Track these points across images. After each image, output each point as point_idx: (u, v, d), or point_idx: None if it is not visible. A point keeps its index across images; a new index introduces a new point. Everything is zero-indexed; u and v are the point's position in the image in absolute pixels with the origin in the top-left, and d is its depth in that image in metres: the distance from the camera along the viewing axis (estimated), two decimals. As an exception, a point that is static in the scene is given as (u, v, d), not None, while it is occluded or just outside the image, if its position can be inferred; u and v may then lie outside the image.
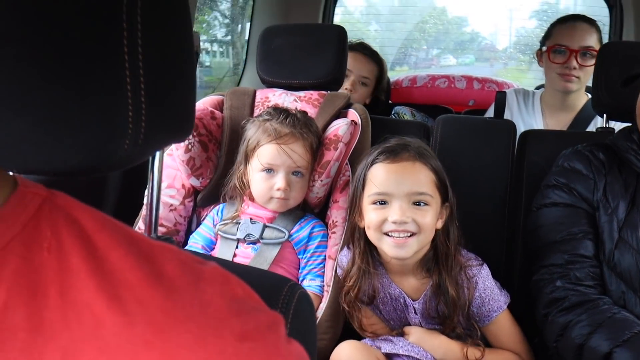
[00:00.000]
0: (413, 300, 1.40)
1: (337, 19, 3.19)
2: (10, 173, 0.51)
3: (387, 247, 1.31)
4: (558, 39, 2.10)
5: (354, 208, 1.38)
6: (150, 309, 0.44)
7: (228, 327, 0.45)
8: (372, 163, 1.35)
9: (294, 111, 1.56)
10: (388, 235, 1.30)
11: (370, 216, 1.32)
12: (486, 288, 1.37)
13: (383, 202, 1.31)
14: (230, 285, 0.49)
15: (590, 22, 2.11)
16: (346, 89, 2.28)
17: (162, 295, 0.45)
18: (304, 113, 1.58)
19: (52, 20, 0.48)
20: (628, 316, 1.24)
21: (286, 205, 1.52)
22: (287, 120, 1.50)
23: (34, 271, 0.44)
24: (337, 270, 1.47)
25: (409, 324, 1.43)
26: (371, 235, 1.34)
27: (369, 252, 1.39)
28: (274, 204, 1.50)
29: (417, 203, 1.30)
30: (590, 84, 1.89)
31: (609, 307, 1.27)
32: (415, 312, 1.41)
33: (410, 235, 1.29)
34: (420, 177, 1.31)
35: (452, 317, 1.35)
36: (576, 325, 1.26)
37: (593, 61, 1.95)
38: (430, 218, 1.30)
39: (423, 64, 4.05)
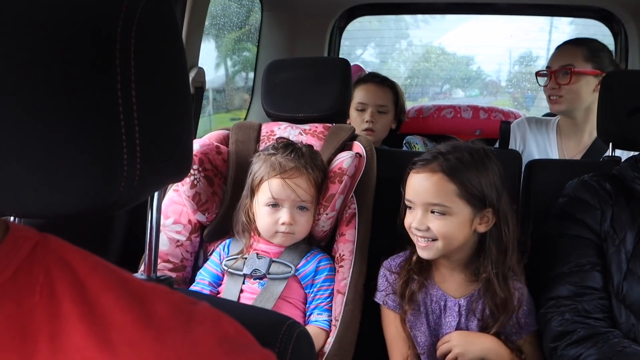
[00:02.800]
0: (453, 298, 1.44)
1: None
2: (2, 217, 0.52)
3: (417, 248, 1.42)
4: (547, 64, 2.15)
5: (402, 207, 1.47)
6: (141, 351, 0.44)
7: None
8: (410, 168, 1.44)
9: (299, 145, 1.56)
10: (416, 237, 1.41)
11: (406, 217, 1.44)
12: (531, 302, 1.43)
13: (411, 207, 1.41)
14: (221, 324, 0.49)
15: (578, 43, 2.12)
16: (367, 121, 2.33)
17: (153, 336, 0.45)
18: (310, 147, 1.58)
19: (47, 69, 0.49)
20: (638, 350, 1.22)
21: (291, 239, 1.51)
22: (292, 155, 1.50)
23: (26, 315, 0.44)
24: (386, 275, 1.50)
25: (441, 331, 1.44)
26: (409, 233, 1.44)
27: None
28: (279, 238, 1.50)
29: (434, 211, 1.36)
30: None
31: (619, 341, 1.25)
32: (459, 311, 1.42)
33: (433, 240, 1.37)
34: (436, 189, 1.36)
35: (499, 318, 1.38)
36: (586, 359, 1.24)
37: (569, 79, 2.02)
38: (449, 227, 1.35)
39: (439, 96, 4.81)
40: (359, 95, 2.38)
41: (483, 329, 1.41)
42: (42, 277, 0.46)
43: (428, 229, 1.37)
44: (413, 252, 1.47)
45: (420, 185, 1.38)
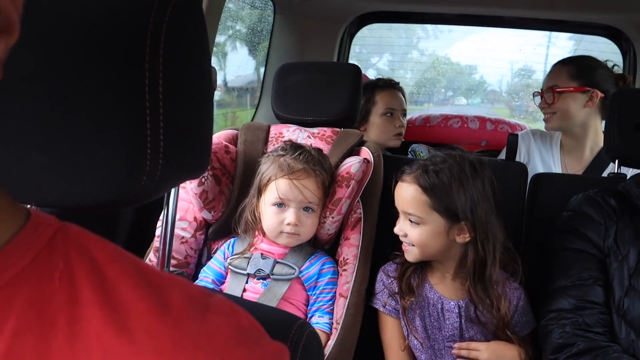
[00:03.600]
0: (450, 300, 1.48)
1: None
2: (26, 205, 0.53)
3: None
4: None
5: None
6: (158, 339, 0.45)
7: (234, 356, 0.46)
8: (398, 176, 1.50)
9: (308, 148, 1.58)
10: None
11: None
12: (526, 301, 1.47)
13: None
14: (237, 316, 0.50)
15: (565, 63, 2.16)
16: (400, 125, 2.43)
17: (171, 325, 0.46)
18: (319, 150, 1.59)
19: (76, 60, 0.50)
20: None
21: (296, 240, 1.52)
22: (301, 157, 1.51)
23: (45, 300, 0.45)
24: (383, 279, 1.54)
25: (441, 334, 1.47)
26: None
27: None
28: (284, 238, 1.51)
29: (411, 220, 1.43)
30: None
31: (618, 356, 1.25)
32: (460, 313, 1.45)
33: (413, 245, 1.44)
34: (410, 199, 1.43)
35: (493, 321, 1.42)
36: None
37: (552, 98, 2.09)
38: (422, 235, 1.42)
39: (443, 102, 5.23)
40: (386, 100, 2.44)
41: (493, 333, 1.45)
42: (62, 263, 0.47)
43: (406, 235, 1.45)
44: None
45: (399, 194, 1.46)
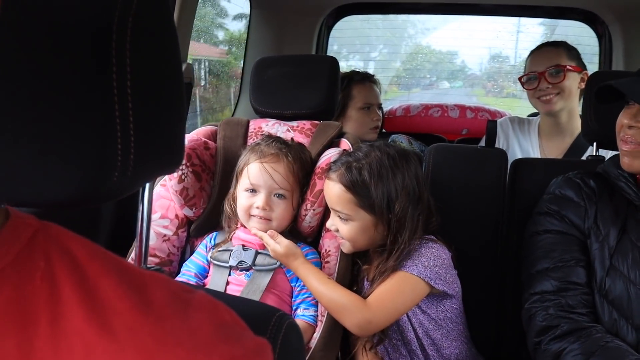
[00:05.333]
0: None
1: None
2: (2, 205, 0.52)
3: None
4: (528, 68, 2.21)
5: None
6: (140, 336, 0.45)
7: (216, 352, 0.46)
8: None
9: (289, 141, 1.58)
10: None
11: None
12: (421, 255, 1.44)
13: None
14: (218, 312, 0.50)
15: (556, 45, 2.18)
16: (377, 119, 2.43)
17: (152, 322, 0.46)
18: (300, 145, 1.60)
19: (40, 57, 0.49)
20: (621, 345, 1.24)
21: (267, 225, 1.52)
22: (275, 143, 1.54)
23: (25, 300, 0.45)
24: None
25: None
26: None
27: None
28: (254, 222, 1.52)
29: (340, 217, 1.46)
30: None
31: (601, 336, 1.26)
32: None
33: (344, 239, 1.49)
34: (337, 198, 1.45)
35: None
36: (569, 354, 1.25)
37: (562, 76, 2.08)
38: (351, 231, 1.45)
39: (428, 87, 5.64)
40: (363, 95, 2.44)
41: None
42: (43, 262, 0.47)
43: (337, 230, 1.48)
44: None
45: (326, 192, 1.49)
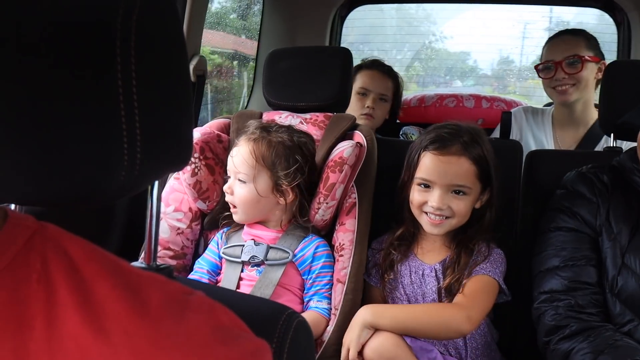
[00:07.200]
0: (429, 265, 1.52)
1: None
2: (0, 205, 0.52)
3: (424, 224, 1.49)
4: (545, 57, 2.17)
5: (407, 183, 1.52)
6: (135, 339, 0.45)
7: (212, 355, 0.46)
8: (425, 148, 1.48)
9: (295, 127, 1.60)
10: (426, 214, 1.47)
11: (415, 195, 1.49)
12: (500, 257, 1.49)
13: (427, 186, 1.46)
14: (216, 314, 0.50)
15: (575, 33, 2.14)
16: (368, 106, 2.33)
17: (148, 325, 0.45)
18: (304, 133, 1.60)
19: (45, 56, 0.49)
20: (630, 343, 1.23)
21: (235, 213, 1.54)
22: (264, 127, 1.54)
23: (22, 303, 0.45)
24: (372, 253, 1.58)
25: (425, 300, 1.50)
26: (414, 210, 1.51)
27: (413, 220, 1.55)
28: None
29: (455, 192, 1.44)
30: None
31: (611, 334, 1.25)
32: (437, 276, 1.49)
33: (446, 218, 1.46)
34: (462, 171, 1.44)
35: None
36: (577, 353, 1.24)
37: (580, 67, 2.04)
38: (466, 205, 1.45)
39: (442, 84, 5.92)
40: (361, 80, 2.38)
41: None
42: (39, 265, 0.47)
43: (448, 208, 1.44)
44: (398, 229, 1.57)
45: (445, 168, 1.44)
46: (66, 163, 0.52)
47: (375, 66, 2.44)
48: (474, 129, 1.51)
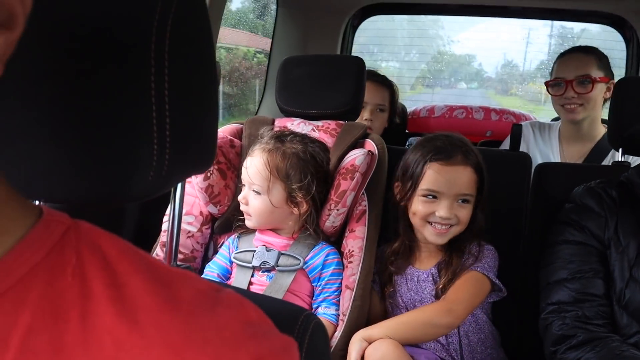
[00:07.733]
0: (424, 270, 1.55)
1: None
2: (37, 202, 0.53)
3: (429, 234, 1.51)
4: (556, 73, 2.16)
5: (408, 194, 1.52)
6: (168, 333, 0.45)
7: (244, 350, 0.46)
8: (430, 160, 1.49)
9: (308, 135, 1.60)
10: (431, 224, 1.49)
11: (419, 207, 1.50)
12: (485, 255, 1.52)
13: (434, 197, 1.48)
14: (245, 310, 0.50)
15: (587, 51, 2.13)
16: (366, 119, 2.32)
17: (180, 319, 0.46)
18: (319, 144, 1.60)
19: (81, 58, 0.51)
20: (637, 354, 1.23)
21: (249, 221, 1.54)
22: (278, 137, 1.55)
23: (58, 296, 0.45)
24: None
25: (422, 304, 1.52)
26: (416, 221, 1.52)
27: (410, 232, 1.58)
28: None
29: (461, 200, 1.48)
30: (606, 115, 1.90)
31: (618, 345, 1.26)
32: (433, 279, 1.53)
33: (451, 226, 1.49)
34: (467, 180, 1.48)
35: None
36: None
37: (590, 87, 2.04)
38: (469, 212, 1.49)
39: (448, 86, 6.33)
40: None
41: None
42: (74, 259, 0.47)
43: (455, 217, 1.48)
44: (394, 242, 1.59)
45: (452, 178, 1.47)
46: (96, 163, 0.53)
47: (370, 76, 2.40)
48: (462, 137, 1.57)
